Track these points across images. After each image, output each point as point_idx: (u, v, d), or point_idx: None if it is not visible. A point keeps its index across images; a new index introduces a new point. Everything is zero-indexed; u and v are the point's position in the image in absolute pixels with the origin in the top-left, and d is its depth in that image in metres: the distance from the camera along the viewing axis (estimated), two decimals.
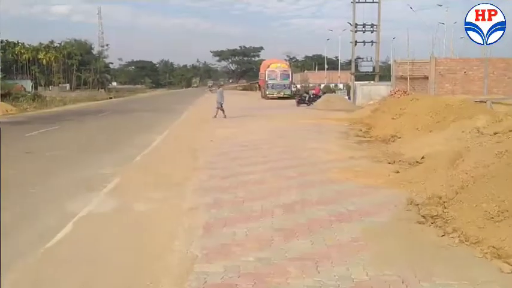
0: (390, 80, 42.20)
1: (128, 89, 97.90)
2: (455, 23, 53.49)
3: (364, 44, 33.93)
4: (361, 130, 16.73)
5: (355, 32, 33.40)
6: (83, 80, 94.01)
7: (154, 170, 9.74)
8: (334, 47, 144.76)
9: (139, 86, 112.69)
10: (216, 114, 22.75)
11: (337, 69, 66.14)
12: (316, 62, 75.69)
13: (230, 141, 14.13)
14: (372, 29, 33.47)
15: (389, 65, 51.16)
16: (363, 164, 10.31)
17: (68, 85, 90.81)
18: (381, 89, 33.38)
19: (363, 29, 33.35)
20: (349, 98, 35.28)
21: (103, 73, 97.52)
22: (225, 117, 22.48)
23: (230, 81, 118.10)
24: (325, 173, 9.26)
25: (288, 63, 51.36)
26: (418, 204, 6.74)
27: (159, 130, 17.25)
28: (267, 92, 44.66)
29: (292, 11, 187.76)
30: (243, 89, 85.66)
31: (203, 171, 9.45)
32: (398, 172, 9.29)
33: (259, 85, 56.91)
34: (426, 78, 31.76)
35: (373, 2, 33.58)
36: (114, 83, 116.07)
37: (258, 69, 62.04)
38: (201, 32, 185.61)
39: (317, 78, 61.37)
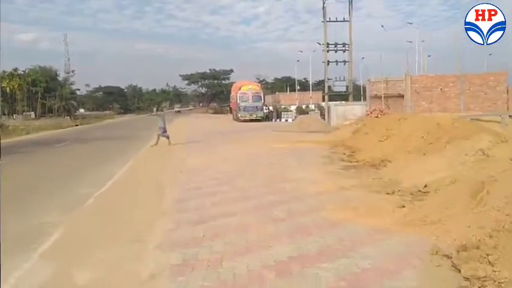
0: (361, 99, 41.56)
1: (96, 116, 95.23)
2: (423, 41, 53.68)
3: (337, 64, 33.00)
4: (344, 154, 15.26)
5: (327, 51, 32.40)
6: (48, 108, 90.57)
7: (109, 217, 7.88)
8: (302, 69, 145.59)
9: (107, 112, 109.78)
10: (157, 141, 20.63)
11: (307, 90, 65.45)
12: (287, 84, 74.84)
13: (203, 172, 12.37)
14: (344, 48, 32.58)
15: (359, 85, 50.78)
16: (359, 197, 8.73)
17: (32, 113, 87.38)
18: (355, 108, 32.39)
19: (335, 49, 32.44)
20: (323, 119, 34.13)
21: (69, 100, 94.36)
22: (169, 144, 20.51)
23: (201, 104, 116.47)
24: (319, 211, 7.62)
25: (260, 85, 50.18)
26: (450, 257, 5.16)
27: (122, 161, 15.35)
28: (239, 115, 43.19)
29: (260, 34, 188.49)
30: (215, 112, 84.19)
31: (171, 215, 7.64)
32: (404, 207, 7.74)
33: (230, 108, 55.48)
34: (401, 96, 30.92)
35: (344, 21, 32.77)
36: (82, 110, 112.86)
37: (229, 92, 60.72)
38: (170, 56, 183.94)
39: (288, 100, 60.35)
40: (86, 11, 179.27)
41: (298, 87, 67.17)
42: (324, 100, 56.06)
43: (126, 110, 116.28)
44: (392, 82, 31.44)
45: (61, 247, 6.26)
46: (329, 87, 35.76)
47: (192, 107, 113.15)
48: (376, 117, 26.51)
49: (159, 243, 6.09)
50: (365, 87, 48.94)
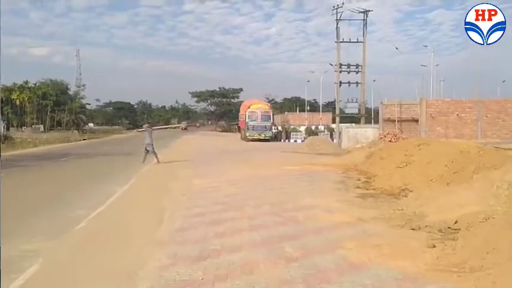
0: (371, 122, 40.62)
1: (105, 130, 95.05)
2: (437, 65, 52.83)
3: (349, 85, 32.21)
4: (359, 180, 14.26)
5: (340, 72, 31.64)
6: (58, 121, 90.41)
7: (98, 246, 6.96)
8: (312, 90, 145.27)
9: (116, 127, 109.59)
10: (144, 158, 19.90)
11: (316, 111, 64.69)
12: (296, 104, 74.21)
13: (207, 195, 11.43)
14: (356, 69, 31.80)
15: (370, 108, 49.86)
16: (380, 232, 7.73)
17: (41, 126, 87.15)
18: (368, 131, 31.48)
19: (348, 70, 31.70)
20: (333, 141, 33.21)
21: (78, 114, 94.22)
22: (158, 162, 19.85)
23: (209, 122, 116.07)
24: (337, 248, 6.63)
25: (269, 104, 49.34)
26: None
27: (123, 179, 14.47)
28: (247, 134, 42.36)
29: (271, 55, 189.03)
30: (223, 130, 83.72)
31: (167, 248, 6.68)
32: (434, 247, 6.74)
33: (238, 126, 54.75)
34: (415, 120, 30.00)
35: (357, 42, 32.09)
36: (91, 124, 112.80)
37: (238, 111, 60.03)
38: (180, 74, 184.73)
39: (297, 120, 59.59)
40: (101, 26, 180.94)
41: (308, 108, 66.50)
42: (334, 122, 55.39)
43: (135, 125, 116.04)
44: (406, 106, 30.59)
45: (35, 285, 5.31)
46: (340, 109, 34.88)
47: (198, 124, 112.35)
48: (390, 141, 25.57)
49: (150, 286, 5.12)
50: (376, 110, 48.09)
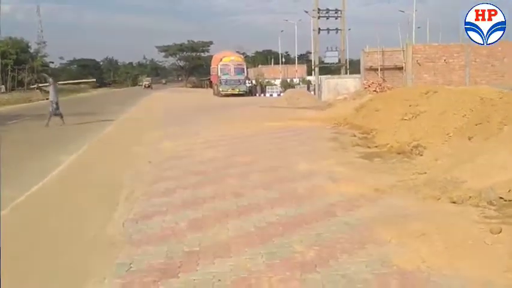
0: (347, 73, 38.20)
1: (71, 89, 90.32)
2: (416, 10, 50.50)
3: (328, 32, 29.63)
4: (355, 136, 12.20)
5: (318, 18, 28.96)
6: (20, 81, 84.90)
7: (22, 250, 4.63)
8: (283, 43, 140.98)
9: (82, 86, 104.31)
10: (48, 121, 17.10)
11: (289, 64, 61.86)
12: (270, 57, 71.05)
13: (179, 162, 9.14)
14: (336, 14, 29.16)
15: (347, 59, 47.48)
16: (413, 209, 5.68)
17: (3, 87, 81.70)
18: (348, 82, 29.30)
19: (327, 15, 29.00)
20: (312, 93, 31.03)
21: (41, 72, 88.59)
22: (63, 123, 17.22)
23: (179, 78, 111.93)
24: (368, 242, 4.53)
25: (242, 56, 46.15)
26: None
27: (75, 145, 11.99)
28: (220, 89, 39.66)
29: (240, 7, 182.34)
30: (194, 86, 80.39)
31: (118, 253, 4.44)
32: (501, 232, 4.73)
33: (210, 82, 51.85)
34: (398, 68, 28.00)
35: None
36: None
37: (208, 65, 56.72)
38: (147, 29, 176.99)
39: (271, 73, 56.87)
40: None
41: (277, 62, 63.56)
42: (309, 74, 52.96)
43: (101, 83, 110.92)
44: (389, 53, 28.47)
45: None
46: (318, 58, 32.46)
47: (164, 81, 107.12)
48: (375, 91, 23.61)
49: None
50: (354, 61, 45.86)
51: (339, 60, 30.56)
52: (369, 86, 23.80)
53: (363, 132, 12.53)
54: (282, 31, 67.59)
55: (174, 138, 12.82)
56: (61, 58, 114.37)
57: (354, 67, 37.92)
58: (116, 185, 7.34)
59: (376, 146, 10.46)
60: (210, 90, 48.12)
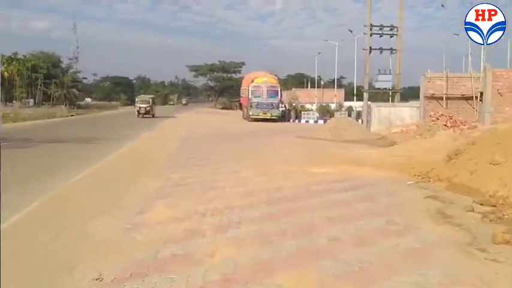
0: (398, 100, 32.74)
1: (100, 106, 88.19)
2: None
3: (381, 52, 24.60)
4: (473, 210, 7.08)
5: (370, 35, 24.02)
6: (49, 96, 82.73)
7: None
8: (313, 67, 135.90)
9: (113, 103, 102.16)
10: None
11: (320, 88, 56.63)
12: (305, 80, 66.10)
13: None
14: (391, 32, 24.16)
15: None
16: None
17: (31, 100, 79.63)
18: (403, 111, 24.17)
19: (380, 32, 24.03)
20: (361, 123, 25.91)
21: (71, 88, 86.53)
22: None
23: (210, 99, 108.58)
24: None
25: (276, 77, 41.19)
26: None
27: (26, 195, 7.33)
28: (251, 113, 34.98)
29: (274, 31, 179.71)
30: (223, 108, 76.45)
31: None
32: None
33: (240, 104, 47.32)
34: (464, 98, 22.69)
35: None
36: (88, 99, 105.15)
37: (239, 86, 52.43)
38: (181, 50, 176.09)
39: (306, 97, 52.00)
40: (103, 1, 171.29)
41: (311, 85, 58.51)
42: (346, 100, 47.92)
43: (132, 101, 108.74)
44: (454, 79, 23.13)
45: None
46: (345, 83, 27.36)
47: (185, 101, 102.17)
48: (445, 125, 18.40)
49: None
50: (404, 88, 40.35)
51: (393, 86, 25.39)
52: (438, 119, 18.63)
53: (484, 201, 7.42)
54: (319, 53, 62.91)
55: (176, 196, 7.96)
56: (94, 74, 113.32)
57: (403, 94, 32.63)
58: None
59: None
60: (240, 113, 43.58)
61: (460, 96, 22.75)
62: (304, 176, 10.14)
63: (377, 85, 26.04)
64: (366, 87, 25.72)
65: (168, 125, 31.86)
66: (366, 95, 25.49)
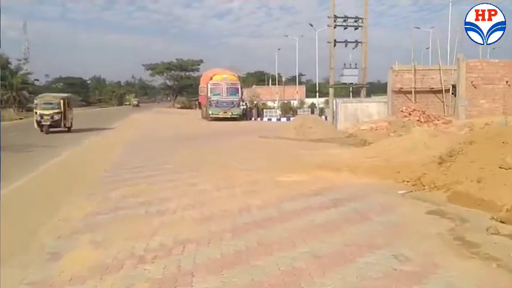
0: (365, 95, 31.60)
1: None
2: (432, 27, 44.75)
3: (346, 45, 23.12)
4: (496, 233, 5.45)
5: (334, 27, 22.47)
6: None
7: None
8: (273, 64, 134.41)
9: None
10: None
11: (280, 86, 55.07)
12: (265, 77, 64.36)
13: None
14: (356, 24, 22.72)
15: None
16: None
17: None
18: (370, 107, 22.83)
19: (344, 24, 22.53)
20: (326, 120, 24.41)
21: (20, 90, 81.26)
22: None
23: (168, 98, 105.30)
24: None
25: (236, 74, 39.11)
26: None
27: None
28: (210, 112, 32.94)
29: (232, 29, 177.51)
30: (182, 107, 73.80)
31: None
32: None
33: (199, 102, 45.09)
34: (433, 92, 21.63)
35: None
36: None
37: (198, 85, 49.97)
38: (138, 48, 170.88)
39: (267, 94, 50.32)
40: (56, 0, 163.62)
41: (272, 83, 56.87)
42: (307, 97, 46.58)
43: (87, 102, 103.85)
44: (422, 72, 22.02)
45: None
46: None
47: (136, 102, 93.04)
48: (419, 120, 17.09)
49: None
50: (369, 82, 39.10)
51: (359, 81, 23.97)
52: (410, 114, 17.29)
53: (505, 218, 5.82)
54: (279, 49, 61.04)
55: (109, 226, 5.93)
56: (47, 76, 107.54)
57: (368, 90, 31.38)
58: None
59: None
60: (199, 112, 41.36)
61: (429, 89, 21.66)
62: (273, 187, 8.31)
63: (343, 80, 24.54)
64: (332, 82, 24.22)
65: (123, 125, 29.34)
66: (331, 91, 23.97)
